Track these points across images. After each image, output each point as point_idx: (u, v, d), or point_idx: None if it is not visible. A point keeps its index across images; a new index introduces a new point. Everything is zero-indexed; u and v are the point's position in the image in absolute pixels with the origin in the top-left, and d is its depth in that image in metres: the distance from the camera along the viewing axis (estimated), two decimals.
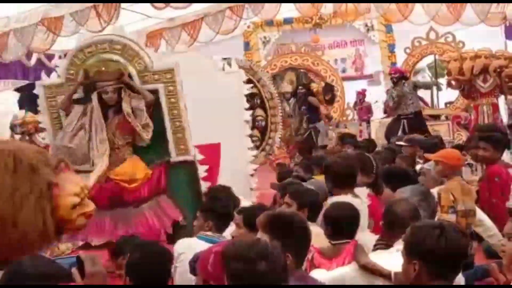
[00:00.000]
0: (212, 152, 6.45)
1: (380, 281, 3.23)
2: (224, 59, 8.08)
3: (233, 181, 6.12)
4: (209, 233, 3.98)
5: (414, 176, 5.41)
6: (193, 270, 3.10)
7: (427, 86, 12.65)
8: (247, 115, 7.42)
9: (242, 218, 3.73)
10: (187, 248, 3.83)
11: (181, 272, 3.67)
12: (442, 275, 2.40)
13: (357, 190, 4.41)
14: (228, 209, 4.03)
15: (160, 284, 2.87)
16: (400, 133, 10.87)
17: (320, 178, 6.40)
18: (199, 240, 3.91)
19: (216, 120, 6.45)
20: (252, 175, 7.43)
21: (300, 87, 13.23)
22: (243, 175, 7.14)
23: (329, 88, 13.82)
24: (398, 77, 11.96)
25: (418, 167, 6.81)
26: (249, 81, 9.71)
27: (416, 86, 12.04)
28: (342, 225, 3.56)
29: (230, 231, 3.91)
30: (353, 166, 4.49)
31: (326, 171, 4.62)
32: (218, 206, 4.07)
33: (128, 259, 2.94)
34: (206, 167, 6.16)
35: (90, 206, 2.95)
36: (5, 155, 2.86)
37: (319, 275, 3.20)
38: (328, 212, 3.66)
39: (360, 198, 4.22)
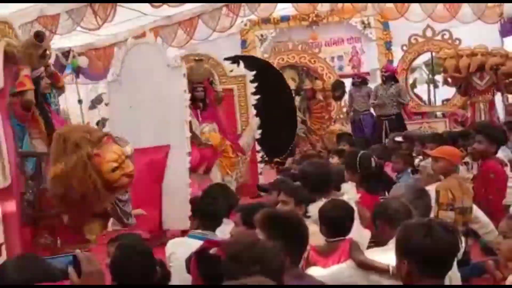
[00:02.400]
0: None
1: (376, 278, 3.24)
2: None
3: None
4: (199, 230, 3.97)
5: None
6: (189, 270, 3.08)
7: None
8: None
9: (240, 216, 3.73)
10: (176, 248, 3.84)
11: (173, 271, 3.67)
12: (432, 273, 2.40)
13: (345, 185, 4.41)
14: (214, 208, 4.02)
15: (143, 283, 2.85)
16: (383, 133, 11.04)
17: None
18: (189, 239, 3.91)
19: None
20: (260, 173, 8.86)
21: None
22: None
23: (339, 85, 13.86)
24: (388, 76, 12.04)
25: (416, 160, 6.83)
26: None
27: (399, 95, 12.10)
28: (337, 223, 3.57)
29: (229, 229, 3.90)
30: (323, 172, 4.49)
31: (300, 179, 4.63)
32: (203, 205, 4.07)
33: (110, 258, 2.92)
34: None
35: (130, 167, 4.27)
36: (57, 138, 4.28)
37: (315, 272, 3.21)
38: (323, 210, 3.67)
39: (342, 199, 4.20)
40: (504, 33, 14.04)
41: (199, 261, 2.68)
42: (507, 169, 6.03)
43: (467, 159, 6.45)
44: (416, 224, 2.47)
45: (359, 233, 3.83)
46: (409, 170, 6.74)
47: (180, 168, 6.75)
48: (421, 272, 2.38)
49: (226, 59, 9.44)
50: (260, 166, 8.72)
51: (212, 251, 2.60)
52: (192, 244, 3.48)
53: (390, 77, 12.15)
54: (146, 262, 2.87)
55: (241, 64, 9.11)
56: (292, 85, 13.69)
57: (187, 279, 3.27)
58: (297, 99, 13.22)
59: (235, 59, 9.49)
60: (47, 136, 4.94)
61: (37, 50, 4.92)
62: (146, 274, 2.86)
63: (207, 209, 4.03)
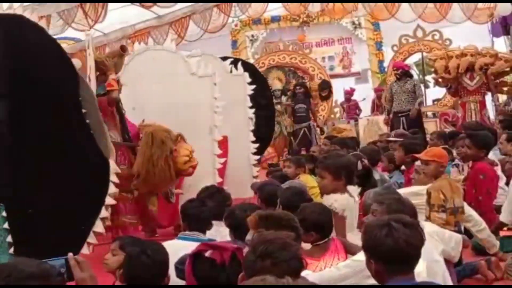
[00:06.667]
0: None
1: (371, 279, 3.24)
2: None
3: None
4: (187, 232, 3.97)
5: None
6: (180, 273, 3.05)
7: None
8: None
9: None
10: (169, 250, 3.82)
11: None
12: (398, 271, 2.39)
13: (350, 188, 4.40)
14: (199, 211, 4.01)
15: (153, 282, 2.80)
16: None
17: (305, 178, 6.41)
18: (178, 241, 3.90)
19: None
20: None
21: (298, 87, 13.19)
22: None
23: (326, 85, 13.84)
24: (401, 73, 11.41)
25: None
26: None
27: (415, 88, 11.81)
28: (326, 226, 3.55)
29: (224, 231, 3.90)
30: (352, 163, 4.50)
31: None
32: (189, 209, 4.06)
33: (126, 254, 2.86)
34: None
35: (195, 161, 5.85)
36: (146, 135, 5.77)
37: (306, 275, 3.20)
38: (306, 217, 3.51)
39: (354, 197, 4.22)
40: (494, 33, 14.10)
41: (194, 263, 2.67)
42: (498, 168, 6.07)
43: (457, 161, 6.47)
44: (376, 225, 2.46)
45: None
46: (400, 170, 6.75)
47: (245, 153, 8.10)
48: (388, 271, 2.39)
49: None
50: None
51: (208, 253, 2.60)
52: (179, 246, 3.46)
53: (404, 73, 11.68)
54: (157, 271, 2.79)
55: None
56: (279, 85, 13.65)
57: (176, 282, 3.25)
58: (284, 99, 13.19)
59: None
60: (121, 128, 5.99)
61: (122, 59, 6.10)
62: (159, 272, 2.78)
63: (192, 212, 4.02)
